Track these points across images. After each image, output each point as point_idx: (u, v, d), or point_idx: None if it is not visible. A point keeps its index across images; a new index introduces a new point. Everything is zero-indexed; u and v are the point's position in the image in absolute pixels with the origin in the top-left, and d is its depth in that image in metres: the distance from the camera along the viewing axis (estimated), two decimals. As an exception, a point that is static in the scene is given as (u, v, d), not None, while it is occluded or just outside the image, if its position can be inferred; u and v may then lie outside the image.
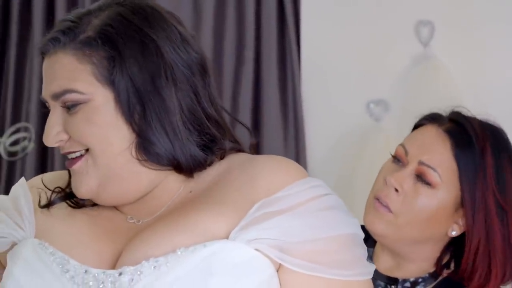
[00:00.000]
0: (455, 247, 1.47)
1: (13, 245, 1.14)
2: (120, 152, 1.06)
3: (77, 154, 1.08)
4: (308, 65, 2.95)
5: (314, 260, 1.01)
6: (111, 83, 1.06)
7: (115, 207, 1.13)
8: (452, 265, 1.47)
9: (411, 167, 1.43)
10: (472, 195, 1.41)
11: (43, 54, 1.10)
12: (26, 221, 1.13)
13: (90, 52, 1.06)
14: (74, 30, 1.07)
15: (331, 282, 1.02)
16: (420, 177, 1.42)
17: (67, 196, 1.15)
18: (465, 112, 1.48)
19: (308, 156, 2.91)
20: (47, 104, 1.11)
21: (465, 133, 1.43)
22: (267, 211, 1.02)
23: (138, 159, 1.07)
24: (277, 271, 1.04)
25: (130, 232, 1.09)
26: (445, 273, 1.46)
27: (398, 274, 1.47)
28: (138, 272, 1.02)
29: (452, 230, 1.44)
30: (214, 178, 1.09)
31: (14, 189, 1.19)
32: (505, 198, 1.41)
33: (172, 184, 1.10)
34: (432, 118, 1.48)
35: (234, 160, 1.10)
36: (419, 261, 1.47)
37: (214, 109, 1.11)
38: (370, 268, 1.06)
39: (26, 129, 2.87)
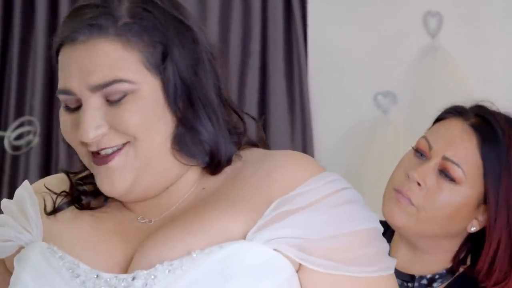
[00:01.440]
0: (472, 243, 1.44)
1: (20, 249, 1.11)
2: (162, 141, 1.02)
3: (114, 149, 1.01)
4: (315, 57, 2.93)
5: (334, 258, 0.98)
6: (159, 70, 1.00)
7: (124, 206, 1.08)
8: (469, 261, 1.44)
9: (435, 162, 1.40)
10: (496, 193, 1.38)
11: (68, 41, 1.01)
12: (33, 224, 1.10)
13: (136, 39, 1.00)
14: (112, 15, 1.00)
15: (354, 280, 0.99)
16: (444, 173, 1.40)
17: (73, 199, 1.10)
18: (489, 106, 1.45)
19: (315, 149, 2.89)
20: (66, 98, 1.02)
21: (492, 129, 1.40)
22: (284, 210, 0.99)
23: (174, 149, 1.03)
24: (297, 271, 1.01)
25: (141, 233, 1.05)
26: (462, 268, 1.44)
27: (415, 270, 1.45)
28: (152, 276, 0.99)
29: (472, 226, 1.42)
30: (228, 174, 1.06)
31: (19, 192, 1.15)
32: None
33: (188, 180, 1.06)
34: (457, 112, 1.44)
35: (248, 155, 1.07)
36: (437, 254, 1.45)
37: (230, 100, 1.08)
38: (392, 263, 1.03)
39: (30, 123, 2.86)
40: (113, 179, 1.02)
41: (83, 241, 1.06)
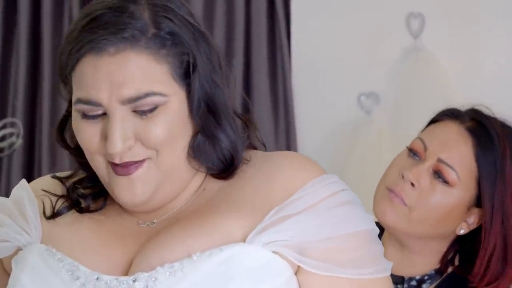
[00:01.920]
0: (461, 245, 1.45)
1: (18, 250, 1.09)
2: (181, 151, 1.02)
3: (135, 160, 1.01)
4: (298, 57, 2.93)
5: (331, 260, 0.99)
6: (185, 81, 1.00)
7: (124, 209, 1.08)
8: (457, 261, 1.45)
9: (429, 163, 1.41)
10: (491, 198, 1.39)
11: (98, 51, 0.97)
12: (32, 225, 1.08)
13: (165, 51, 0.98)
14: (140, 25, 0.97)
15: (350, 282, 1.00)
16: (438, 174, 1.40)
17: (73, 203, 1.09)
18: (484, 110, 1.46)
19: (299, 148, 2.90)
20: (89, 108, 0.99)
21: (487, 134, 1.41)
22: (283, 215, 1.00)
23: (190, 157, 1.03)
24: (296, 272, 1.02)
25: (141, 236, 1.05)
26: (450, 268, 1.45)
27: (404, 272, 1.46)
28: (153, 279, 0.98)
29: (461, 229, 1.43)
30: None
31: (16, 191, 1.13)
32: None
33: (193, 185, 1.06)
34: (453, 114, 1.45)
35: (248, 157, 1.07)
36: (425, 255, 1.46)
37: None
38: (388, 265, 1.04)
39: (13, 125, 2.84)
40: (134, 191, 1.01)
41: (83, 243, 1.05)
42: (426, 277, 1.44)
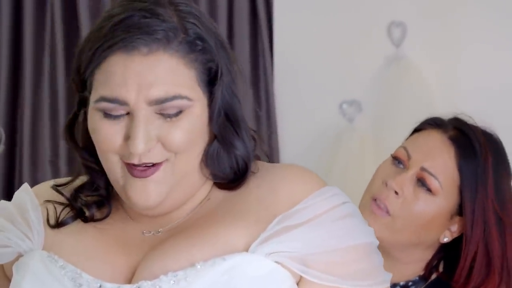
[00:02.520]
0: (445, 253, 1.47)
1: (19, 256, 1.09)
2: (196, 157, 1.03)
3: (153, 161, 1.01)
4: (280, 65, 2.94)
5: (333, 272, 1.01)
6: (208, 88, 1.01)
7: (130, 217, 1.08)
8: (441, 267, 1.47)
9: (413, 172, 1.43)
10: (472, 205, 1.41)
11: (130, 50, 0.97)
12: (35, 231, 1.08)
13: (193, 57, 1.00)
14: (175, 30, 0.99)
15: None
16: (421, 182, 1.42)
17: (77, 213, 1.08)
18: (467, 119, 1.47)
19: (281, 156, 2.90)
20: (113, 106, 0.99)
21: (470, 143, 1.42)
22: (286, 225, 1.01)
23: (202, 164, 1.04)
24: (297, 283, 1.03)
25: (145, 244, 1.05)
26: (434, 275, 1.46)
27: None
28: (157, 287, 0.99)
29: (444, 237, 1.45)
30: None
31: (19, 195, 1.12)
32: (503, 209, 1.42)
33: (201, 194, 1.07)
34: (436, 123, 1.47)
35: (252, 168, 1.08)
36: (410, 264, 1.47)
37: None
38: (387, 276, 1.05)
39: (-5, 131, 2.82)
40: (149, 193, 1.01)
41: (86, 251, 1.05)
42: (410, 283, 1.45)
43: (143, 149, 0.99)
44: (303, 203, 1.02)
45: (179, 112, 1.00)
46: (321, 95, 2.93)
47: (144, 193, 1.01)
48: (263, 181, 1.05)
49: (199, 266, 0.99)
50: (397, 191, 1.41)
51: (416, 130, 1.51)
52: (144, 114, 0.99)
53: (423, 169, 1.42)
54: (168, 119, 1.00)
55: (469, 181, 1.41)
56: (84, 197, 1.09)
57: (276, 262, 1.00)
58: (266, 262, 0.99)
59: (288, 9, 2.94)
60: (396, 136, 2.79)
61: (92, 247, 1.06)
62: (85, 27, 2.83)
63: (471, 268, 1.41)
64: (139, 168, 1.01)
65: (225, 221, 1.02)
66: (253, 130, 1.10)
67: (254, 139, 1.09)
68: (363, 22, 2.92)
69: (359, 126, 2.89)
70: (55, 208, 1.09)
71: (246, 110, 2.93)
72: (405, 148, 1.46)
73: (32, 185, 1.15)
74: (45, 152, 2.84)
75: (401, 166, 1.44)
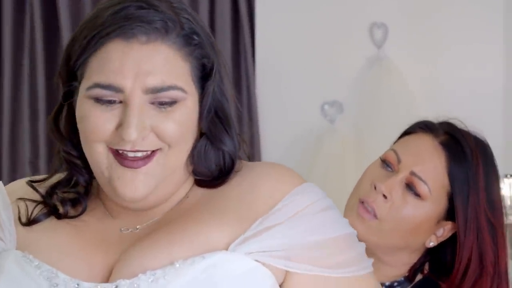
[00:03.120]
0: (430, 256, 1.47)
1: None
2: (186, 152, 1.03)
3: (144, 153, 1.01)
4: (262, 66, 2.94)
5: (317, 263, 1.02)
6: (201, 84, 1.02)
7: (110, 214, 1.07)
8: (426, 268, 1.47)
9: (402, 175, 1.42)
10: (465, 212, 1.41)
11: (128, 38, 0.98)
12: (6, 231, 1.06)
13: (189, 51, 1.01)
14: (174, 23, 1.00)
15: (337, 280, 1.03)
16: (410, 187, 1.42)
17: (51, 210, 1.07)
18: (459, 124, 1.47)
19: (263, 157, 2.90)
20: (108, 93, 0.99)
21: (461, 149, 1.42)
22: (267, 225, 1.02)
23: (189, 161, 1.04)
24: (282, 282, 1.03)
25: (123, 242, 1.04)
26: (419, 276, 1.47)
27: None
28: (135, 285, 0.98)
29: (430, 241, 1.45)
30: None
31: None
32: (495, 216, 1.42)
33: (181, 191, 1.07)
34: (427, 127, 1.46)
35: (239, 168, 1.09)
36: (396, 266, 1.47)
37: None
38: (369, 262, 1.07)
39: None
40: (137, 184, 1.01)
41: (61, 249, 1.04)
42: (395, 284, 1.45)
43: (136, 136, 0.98)
44: (282, 202, 1.03)
45: (173, 103, 1.00)
46: (302, 96, 2.93)
47: (133, 184, 1.00)
48: (244, 180, 1.06)
49: (178, 265, 0.98)
50: (385, 194, 1.40)
51: (407, 132, 1.50)
52: (139, 102, 0.99)
53: (412, 173, 1.41)
54: (163, 109, 1.00)
55: (460, 187, 1.41)
56: (60, 194, 1.08)
57: (257, 261, 1.00)
58: (245, 261, 0.99)
59: (270, 10, 2.94)
60: (377, 137, 2.80)
61: (67, 245, 1.04)
62: (65, 28, 2.81)
63: (465, 272, 1.41)
64: (130, 158, 1.00)
65: (205, 219, 1.02)
66: (239, 136, 1.11)
67: (242, 138, 1.09)
68: (345, 23, 2.93)
69: (340, 126, 2.90)
70: (26, 206, 1.08)
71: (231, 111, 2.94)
72: (395, 151, 1.45)
73: (10, 186, 1.14)
74: (25, 153, 2.82)
75: (390, 169, 1.44)
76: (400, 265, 1.47)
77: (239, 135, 1.09)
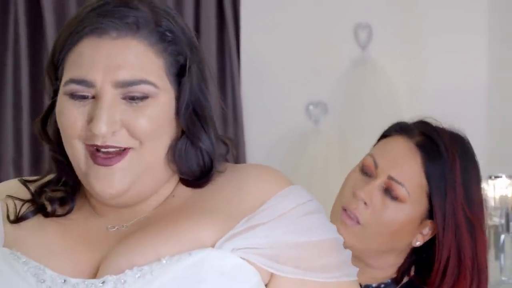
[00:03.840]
0: (417, 256, 1.48)
1: None
2: (163, 150, 1.04)
3: (116, 149, 1.01)
4: (247, 67, 2.94)
5: (301, 266, 1.02)
6: (177, 81, 1.03)
7: (96, 212, 1.08)
8: (413, 270, 1.48)
9: (380, 180, 1.43)
10: (442, 209, 1.42)
11: (100, 34, 1.01)
12: None
13: (163, 47, 1.02)
14: (147, 20, 1.02)
15: (319, 285, 1.03)
16: (388, 191, 1.43)
17: (38, 208, 1.08)
18: (433, 122, 1.48)
19: (247, 157, 2.90)
20: (81, 88, 1.00)
21: (436, 148, 1.43)
22: (253, 224, 1.02)
23: (170, 159, 1.04)
24: (268, 282, 1.03)
25: (110, 240, 1.04)
26: (406, 278, 1.48)
27: (361, 280, 1.47)
28: (122, 281, 0.98)
29: (417, 241, 1.46)
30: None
31: None
32: (472, 211, 1.43)
33: (166, 189, 1.07)
34: (401, 129, 1.47)
35: (219, 168, 1.09)
36: (383, 268, 1.48)
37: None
38: (354, 270, 1.08)
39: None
40: (112, 180, 1.02)
41: (48, 247, 1.04)
42: (382, 286, 1.46)
43: (105, 131, 0.99)
44: (269, 202, 1.03)
45: (145, 98, 1.01)
46: (287, 96, 2.94)
47: (107, 181, 1.01)
48: (231, 180, 1.06)
49: (164, 261, 0.98)
50: (366, 201, 1.42)
51: (384, 135, 1.51)
52: (110, 97, 1.00)
53: (390, 177, 1.43)
54: (134, 104, 1.01)
55: (437, 186, 1.42)
56: (49, 193, 1.08)
57: (243, 258, 1.01)
58: (231, 258, 1.00)
59: (255, 11, 2.95)
60: (361, 138, 2.81)
61: (55, 242, 1.05)
62: (50, 26, 2.80)
63: (445, 270, 1.42)
64: (103, 156, 1.01)
65: (192, 217, 1.03)
66: (229, 139, 1.11)
67: (225, 143, 1.10)
68: (329, 24, 2.94)
69: (325, 127, 2.91)
70: (15, 204, 1.09)
71: (214, 112, 2.94)
72: (372, 156, 1.46)
73: (-7, 185, 1.14)
74: (8, 153, 2.81)
75: (369, 174, 1.45)
76: (386, 267, 1.47)
77: (227, 137, 1.10)
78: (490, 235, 2.43)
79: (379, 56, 2.91)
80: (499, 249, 2.45)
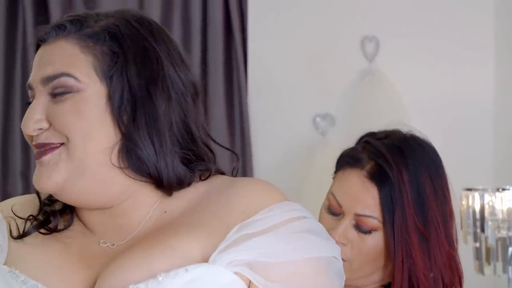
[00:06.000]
0: None
1: None
2: (100, 150, 1.03)
3: (48, 147, 1.04)
4: (255, 79, 2.95)
5: (289, 283, 1.01)
6: (108, 79, 1.04)
7: (86, 227, 1.09)
8: None
9: (349, 218, 1.46)
10: (391, 229, 1.44)
11: (41, 42, 1.08)
12: None
13: (93, 45, 1.05)
14: (82, 23, 1.07)
15: None
16: (359, 226, 1.45)
17: (41, 223, 1.09)
18: (379, 136, 1.50)
19: (255, 169, 2.90)
20: (30, 93, 1.07)
21: (383, 172, 1.45)
22: (245, 233, 1.01)
23: (118, 164, 1.04)
24: None
25: (103, 257, 1.05)
26: None
27: None
28: None
29: None
30: (191, 199, 1.07)
31: None
32: (426, 225, 1.44)
33: (145, 200, 1.07)
34: (352, 160, 1.49)
35: (214, 182, 1.09)
36: (369, 285, 1.50)
37: (202, 133, 1.10)
38: None
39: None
40: (42, 175, 1.04)
41: (46, 266, 1.05)
42: None
43: (31, 128, 1.04)
44: (262, 213, 1.03)
45: (67, 93, 1.04)
46: (294, 108, 2.94)
47: (39, 174, 1.05)
48: (222, 195, 1.06)
49: (160, 278, 0.98)
50: (342, 242, 1.44)
51: (338, 168, 1.54)
52: (38, 95, 1.05)
53: (357, 215, 1.46)
54: (57, 100, 1.04)
55: (388, 209, 1.44)
56: (54, 205, 1.10)
57: (235, 272, 1.00)
58: (226, 273, 1.00)
59: (262, 23, 2.95)
60: (369, 150, 2.81)
61: (52, 261, 1.05)
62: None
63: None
64: (38, 153, 1.05)
65: (179, 233, 1.02)
66: (229, 148, 1.13)
67: (211, 152, 1.10)
68: (336, 37, 2.94)
69: (332, 139, 2.91)
70: (16, 222, 1.10)
71: (219, 123, 2.94)
72: (333, 195, 1.49)
73: (2, 197, 1.15)
74: (16, 165, 2.82)
75: (337, 214, 1.48)
76: (373, 283, 1.49)
77: (210, 150, 1.09)
78: (498, 247, 2.42)
79: (386, 69, 2.91)
80: (507, 261, 2.44)
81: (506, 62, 2.89)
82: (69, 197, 1.06)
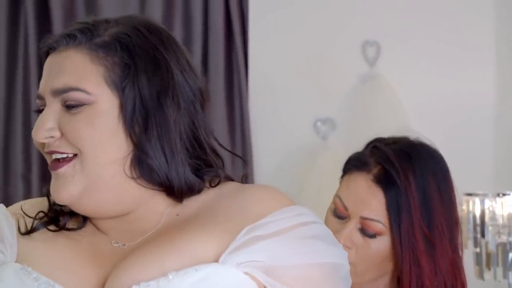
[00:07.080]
0: None
1: None
2: (113, 161, 1.04)
3: (63, 156, 1.05)
4: (255, 83, 2.95)
5: (296, 286, 1.02)
6: (120, 90, 1.04)
7: (99, 230, 1.10)
8: None
9: (355, 221, 1.47)
10: (398, 234, 1.44)
11: (51, 50, 1.08)
12: (8, 244, 1.09)
13: (104, 55, 1.05)
14: (92, 32, 1.06)
15: None
16: (365, 230, 1.45)
17: (50, 220, 1.11)
18: (387, 142, 1.51)
19: (255, 173, 2.90)
20: (39, 102, 1.08)
21: (390, 177, 1.46)
22: (255, 235, 1.03)
23: (130, 174, 1.05)
24: None
25: (115, 256, 1.06)
26: None
27: None
28: None
29: None
30: (203, 204, 1.08)
31: None
32: (431, 231, 1.44)
33: (158, 206, 1.08)
34: (360, 164, 1.50)
35: (225, 188, 1.10)
36: None
37: (210, 140, 1.11)
38: None
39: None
40: (59, 187, 1.05)
41: (57, 262, 1.06)
42: None
43: (42, 136, 1.05)
44: (270, 216, 1.04)
45: (80, 105, 1.04)
46: (295, 113, 2.94)
47: (55, 186, 1.06)
48: (234, 200, 1.07)
49: (171, 276, 0.99)
50: (347, 245, 1.45)
51: (345, 171, 1.54)
52: (50, 105, 1.05)
53: (362, 218, 1.46)
54: (71, 112, 1.04)
55: (395, 214, 1.45)
56: (63, 207, 1.11)
57: (245, 273, 1.02)
58: (236, 273, 1.01)
59: (263, 27, 2.96)
60: (369, 154, 2.81)
61: (63, 258, 1.06)
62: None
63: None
64: (54, 161, 1.05)
65: (192, 232, 1.04)
66: (238, 155, 1.16)
67: (220, 159, 1.10)
68: (337, 41, 2.94)
69: (333, 144, 2.91)
70: (24, 218, 1.11)
71: (220, 127, 2.93)
72: (339, 198, 1.50)
73: (3, 200, 1.16)
74: (17, 167, 2.82)
75: (342, 217, 1.48)
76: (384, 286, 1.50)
77: (218, 156, 1.10)
78: (498, 252, 2.42)
79: (387, 73, 2.91)
80: (508, 267, 2.44)
81: (507, 66, 2.89)
82: (85, 209, 1.07)
